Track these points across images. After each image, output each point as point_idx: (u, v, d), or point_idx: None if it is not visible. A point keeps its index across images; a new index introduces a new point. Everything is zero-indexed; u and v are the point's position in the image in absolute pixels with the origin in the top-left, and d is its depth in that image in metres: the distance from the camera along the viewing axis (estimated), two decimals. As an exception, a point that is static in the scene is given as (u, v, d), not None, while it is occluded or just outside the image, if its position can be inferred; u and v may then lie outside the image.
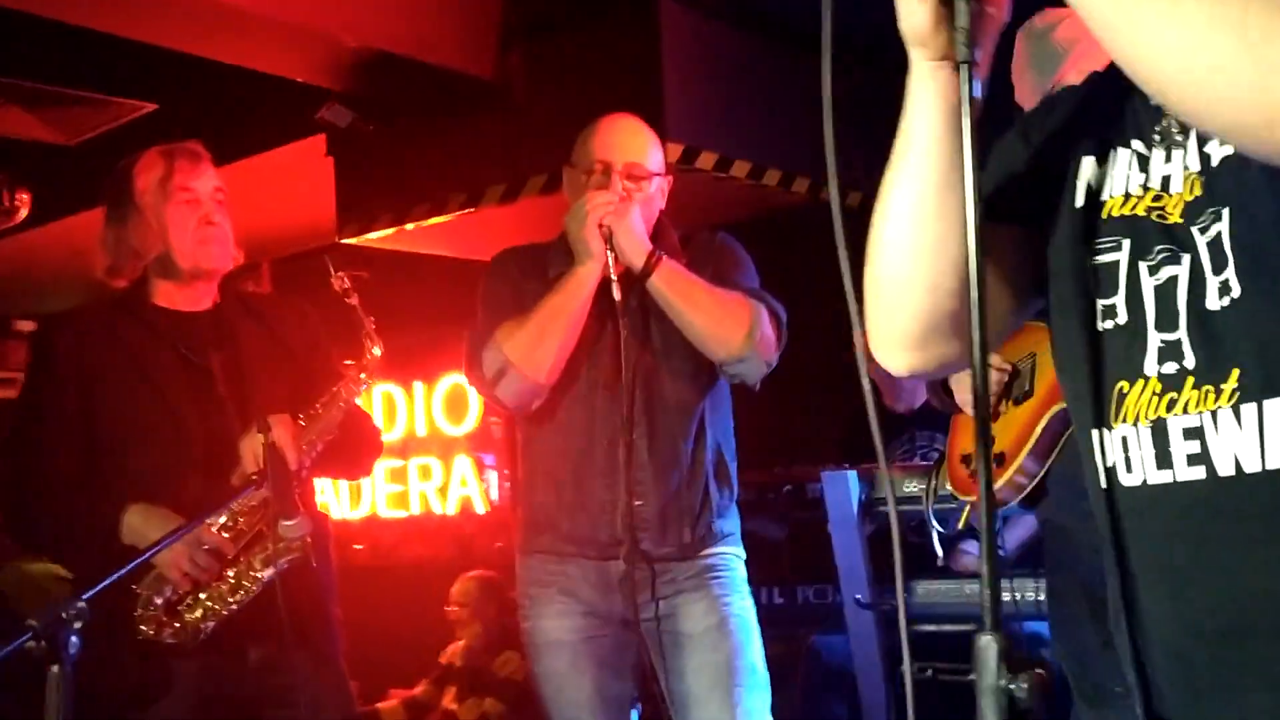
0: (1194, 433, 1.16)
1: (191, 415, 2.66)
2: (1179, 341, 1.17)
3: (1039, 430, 2.31)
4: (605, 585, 2.67)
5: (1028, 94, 2.32)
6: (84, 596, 1.92)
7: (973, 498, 2.44)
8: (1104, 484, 1.25)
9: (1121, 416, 1.22)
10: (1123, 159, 1.26)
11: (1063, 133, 1.33)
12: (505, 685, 5.51)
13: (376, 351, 2.71)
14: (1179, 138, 1.20)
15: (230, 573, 2.59)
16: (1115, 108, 1.28)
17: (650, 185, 2.73)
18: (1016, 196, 1.34)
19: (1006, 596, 3.51)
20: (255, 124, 5.32)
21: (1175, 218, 1.18)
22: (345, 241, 5.30)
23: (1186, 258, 1.17)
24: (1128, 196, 1.24)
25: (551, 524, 2.72)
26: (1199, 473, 1.16)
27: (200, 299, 2.79)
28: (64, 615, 1.87)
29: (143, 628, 2.53)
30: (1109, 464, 1.24)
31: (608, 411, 2.65)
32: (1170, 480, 1.18)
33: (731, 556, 2.71)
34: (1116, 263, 1.23)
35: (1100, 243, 1.25)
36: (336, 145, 5.25)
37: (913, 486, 3.53)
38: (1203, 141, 1.17)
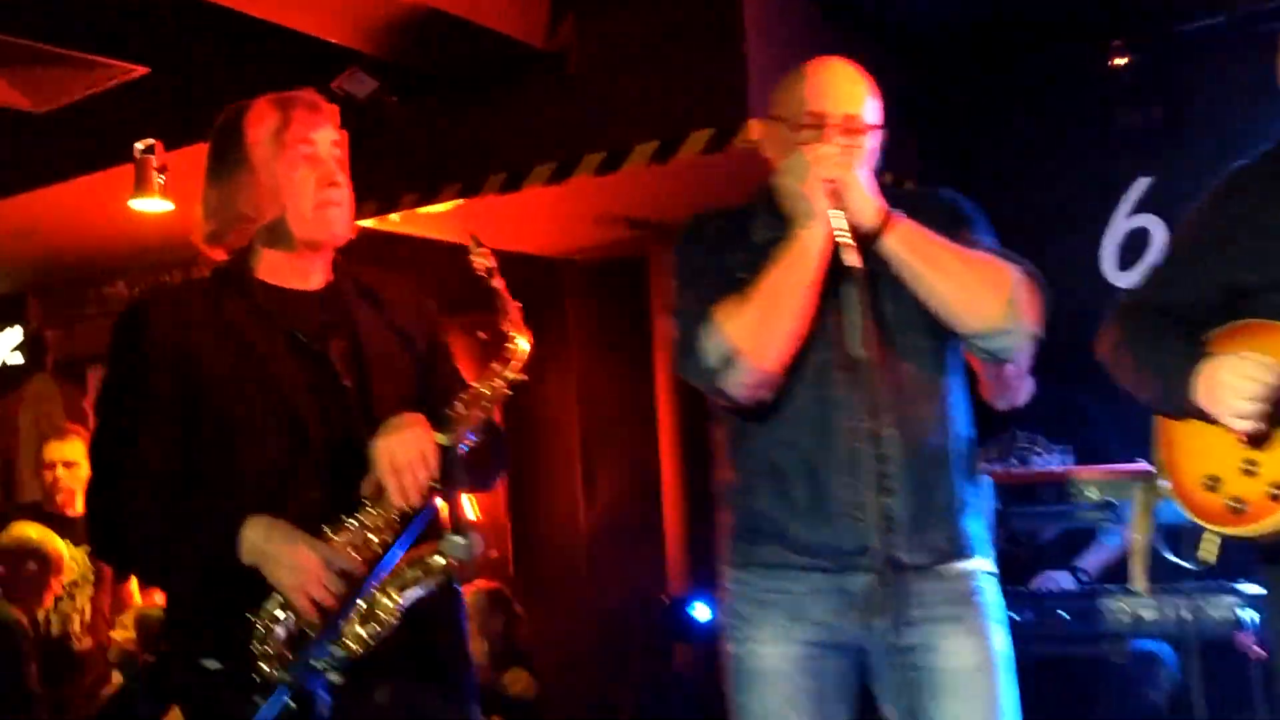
0: None
1: (310, 411, 2.24)
2: None
3: None
4: (842, 603, 2.30)
5: None
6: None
7: (1232, 530, 2.10)
8: None
9: None
10: None
11: None
12: (515, 704, 5.17)
13: (523, 344, 2.31)
14: None
15: (361, 601, 2.17)
16: None
17: (868, 142, 2.37)
18: None
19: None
20: (254, 93, 4.86)
21: None
22: (362, 224, 4.87)
23: None
24: None
25: (777, 532, 2.34)
26: None
27: (311, 274, 2.36)
28: (312, 664, 1.44)
29: (263, 666, 2.11)
30: None
31: (846, 398, 2.29)
32: None
33: (988, 574, 2.35)
34: None
35: None
36: (352, 118, 4.81)
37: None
38: None
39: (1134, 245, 4.62)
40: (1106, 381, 2.32)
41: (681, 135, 4.07)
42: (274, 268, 2.33)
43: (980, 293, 2.26)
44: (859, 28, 4.49)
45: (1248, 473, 2.06)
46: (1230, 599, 3.18)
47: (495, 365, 2.32)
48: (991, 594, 2.33)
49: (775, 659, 2.30)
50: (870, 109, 2.37)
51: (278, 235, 2.31)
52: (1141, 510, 3.18)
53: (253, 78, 4.70)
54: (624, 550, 5.57)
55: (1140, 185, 4.65)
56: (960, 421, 2.35)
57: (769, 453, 2.34)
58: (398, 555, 2.15)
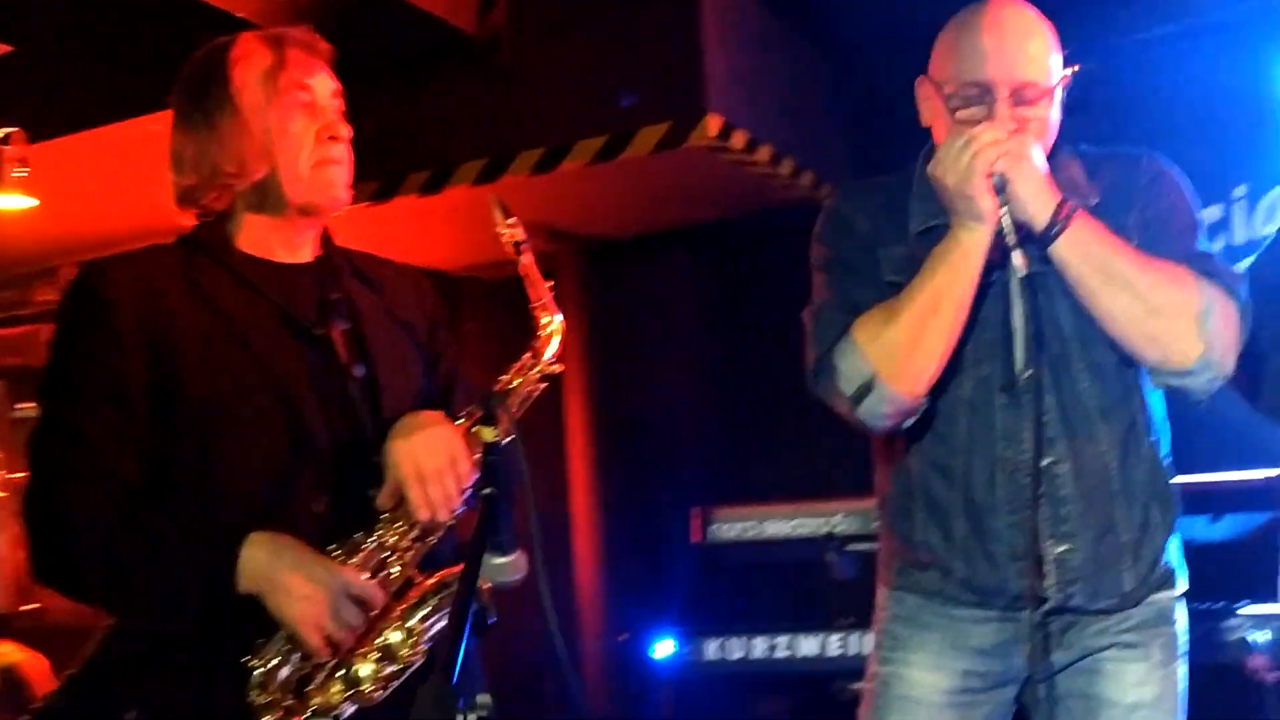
0: None
1: (311, 404, 1.86)
2: None
3: None
4: (1011, 635, 2.02)
5: None
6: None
7: None
8: None
9: None
10: None
11: None
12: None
13: (556, 328, 1.99)
14: None
15: (379, 636, 1.80)
16: None
17: (1047, 109, 2.02)
18: None
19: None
20: (139, 76, 4.36)
21: None
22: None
23: None
24: None
25: (939, 565, 2.05)
26: None
27: (301, 245, 1.98)
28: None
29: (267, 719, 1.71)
30: None
31: (1009, 423, 1.99)
32: None
33: (1177, 603, 2.08)
34: None
35: None
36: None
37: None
38: None
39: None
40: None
41: (631, 130, 3.79)
42: (258, 236, 1.94)
43: (1161, 320, 1.93)
44: (807, 32, 4.31)
45: None
46: (1234, 621, 3.05)
47: (527, 356, 1.98)
48: (1181, 622, 2.07)
49: (926, 688, 2.03)
50: (1048, 69, 2.02)
51: (266, 197, 1.92)
52: None
53: (134, 60, 4.22)
54: (530, 580, 5.18)
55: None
56: (1153, 440, 2.06)
57: (924, 478, 2.05)
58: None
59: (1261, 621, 3.01)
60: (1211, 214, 4.48)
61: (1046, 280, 1.98)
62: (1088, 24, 4.34)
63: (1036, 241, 1.93)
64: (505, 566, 1.70)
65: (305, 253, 1.98)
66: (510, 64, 3.95)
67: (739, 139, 3.91)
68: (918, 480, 2.06)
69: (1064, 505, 1.98)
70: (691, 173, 3.97)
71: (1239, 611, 3.04)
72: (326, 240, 2.01)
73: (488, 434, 1.68)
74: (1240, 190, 4.46)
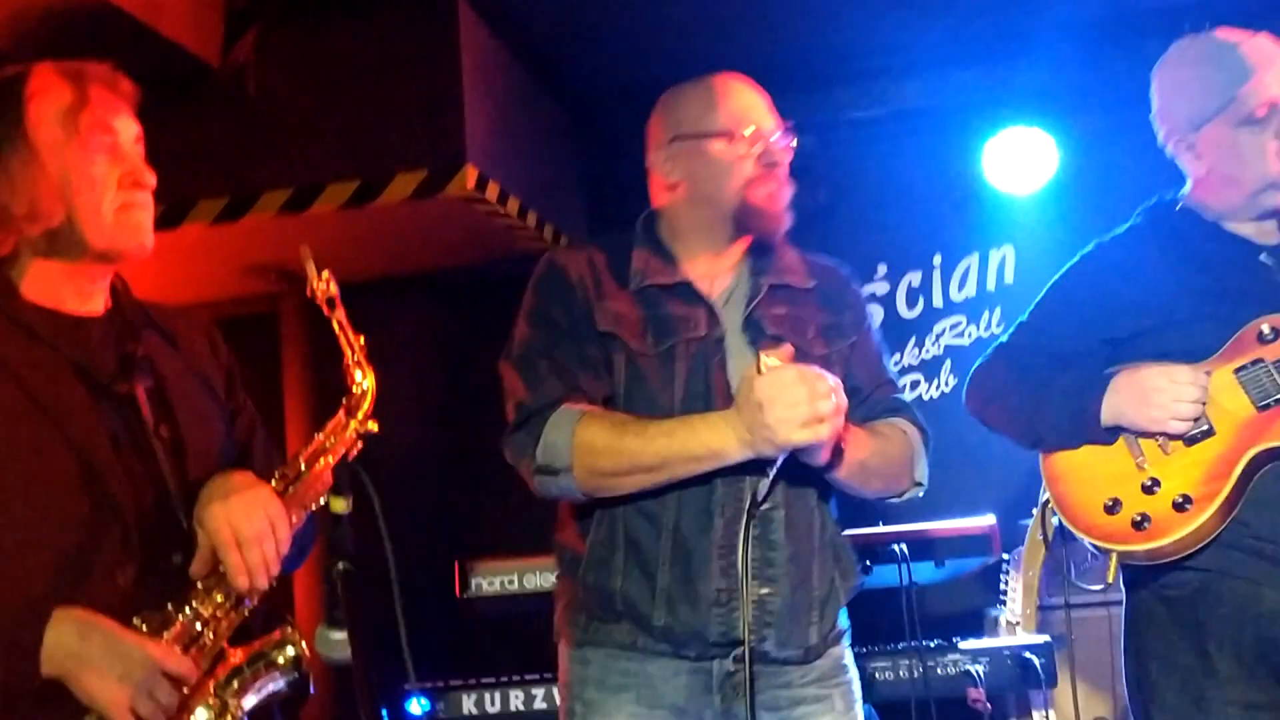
0: None
1: (113, 467, 1.74)
2: None
3: (1236, 474, 2.11)
4: (701, 689, 2.07)
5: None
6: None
7: (1139, 546, 2.14)
8: None
9: None
10: None
11: None
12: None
13: (367, 385, 1.95)
14: None
15: (191, 713, 1.69)
16: None
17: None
18: None
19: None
20: None
21: None
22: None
23: None
24: None
25: (636, 614, 2.07)
26: None
27: (94, 295, 1.86)
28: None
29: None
30: None
31: (728, 474, 2.05)
32: None
33: (848, 652, 2.21)
34: None
35: None
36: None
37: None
38: None
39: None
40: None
41: (386, 177, 3.73)
42: (47, 284, 1.81)
43: (895, 480, 2.18)
44: (553, 88, 4.40)
45: (1148, 491, 2.17)
46: (956, 656, 3.32)
47: (340, 415, 1.93)
48: (854, 670, 2.21)
49: None
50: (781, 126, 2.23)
51: (61, 242, 1.79)
52: (1032, 551, 3.27)
53: None
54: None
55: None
56: (833, 503, 2.23)
57: (631, 526, 2.08)
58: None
59: (979, 655, 3.29)
60: (912, 279, 4.90)
61: (757, 337, 2.11)
62: (810, 101, 4.66)
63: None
64: (341, 643, 1.65)
65: (97, 302, 1.86)
66: (257, 100, 3.81)
67: (493, 191, 3.93)
68: (623, 529, 2.09)
69: (774, 550, 2.07)
70: (444, 221, 3.95)
71: (961, 647, 3.31)
72: (116, 290, 1.89)
73: (338, 505, 1.63)
74: (938, 258, 4.88)
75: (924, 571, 3.41)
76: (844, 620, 2.21)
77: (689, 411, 2.06)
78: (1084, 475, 2.24)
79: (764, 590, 2.06)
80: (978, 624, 3.76)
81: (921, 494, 2.23)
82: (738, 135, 2.17)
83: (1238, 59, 2.20)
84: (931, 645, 3.30)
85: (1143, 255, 2.29)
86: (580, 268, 2.18)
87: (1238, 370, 2.16)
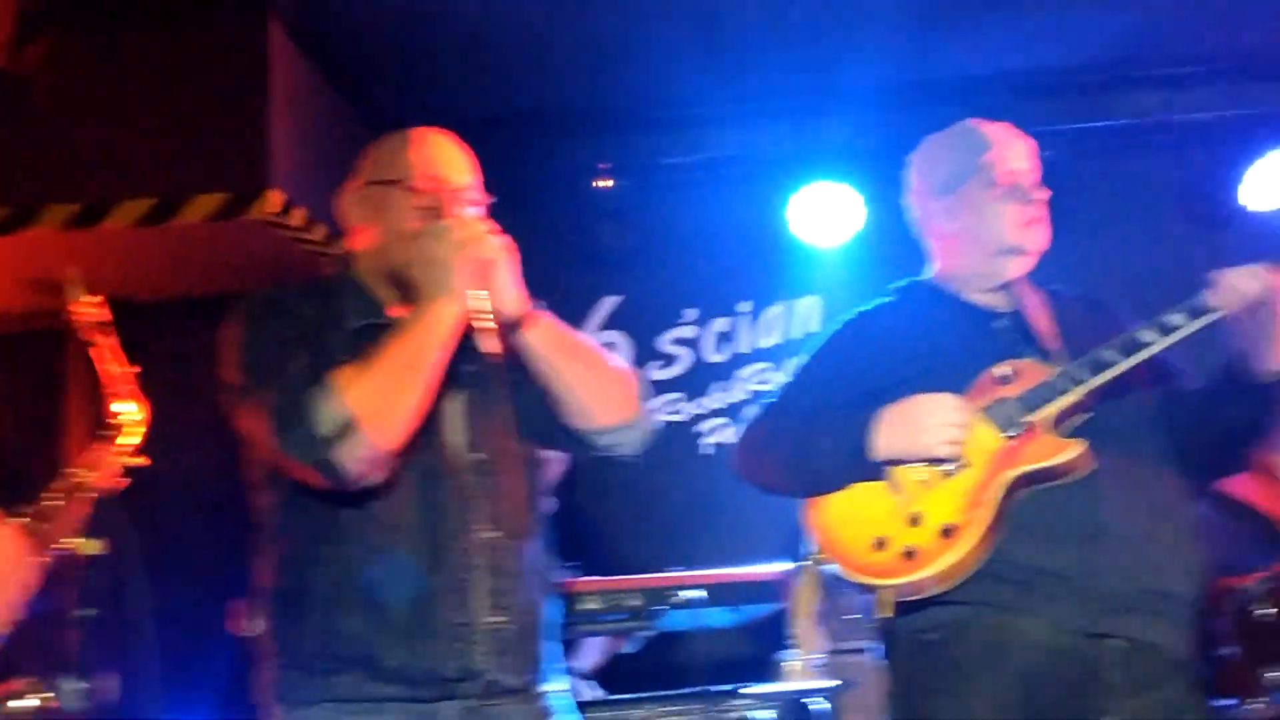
0: None
1: None
2: None
3: (996, 500, 2.22)
4: None
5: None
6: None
7: (909, 577, 2.21)
8: None
9: None
10: None
11: None
12: None
13: (132, 416, 1.86)
14: None
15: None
16: None
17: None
18: None
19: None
20: None
21: None
22: None
23: None
24: None
25: (362, 657, 2.00)
26: None
27: None
28: None
29: None
30: None
31: (452, 503, 2.06)
32: None
33: (567, 692, 2.22)
34: None
35: None
36: None
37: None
38: None
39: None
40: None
41: (184, 196, 3.59)
42: None
43: (614, 390, 2.22)
44: (362, 115, 4.32)
45: (914, 523, 2.27)
46: (739, 701, 3.35)
47: (100, 446, 1.84)
48: (567, 714, 2.21)
49: None
50: (479, 190, 2.24)
51: None
52: (805, 597, 3.29)
53: None
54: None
55: (608, 303, 4.90)
56: (545, 534, 2.24)
57: (358, 562, 2.03)
58: None
59: (767, 699, 3.33)
60: (720, 325, 4.98)
61: (481, 374, 2.13)
62: (624, 144, 4.72)
63: (504, 330, 2.09)
64: (82, 693, 1.55)
65: None
66: (45, 109, 3.62)
67: (298, 216, 3.83)
68: (347, 565, 2.04)
69: (504, 579, 2.08)
70: (248, 244, 3.83)
71: (749, 691, 3.35)
72: None
73: (90, 547, 1.54)
74: (746, 305, 4.97)
75: (718, 617, 3.45)
76: (558, 650, 2.22)
77: (416, 458, 2.06)
78: (849, 518, 2.33)
79: (497, 618, 2.05)
80: (768, 669, 3.81)
81: (643, 437, 2.26)
82: (410, 185, 2.17)
83: (982, 136, 2.49)
84: (715, 691, 3.33)
85: (896, 321, 2.47)
86: (302, 300, 2.17)
87: (984, 409, 2.30)
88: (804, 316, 4.93)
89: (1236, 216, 4.56)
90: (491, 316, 2.02)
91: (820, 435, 2.34)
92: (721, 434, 4.87)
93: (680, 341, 4.93)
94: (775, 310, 4.96)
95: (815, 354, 2.52)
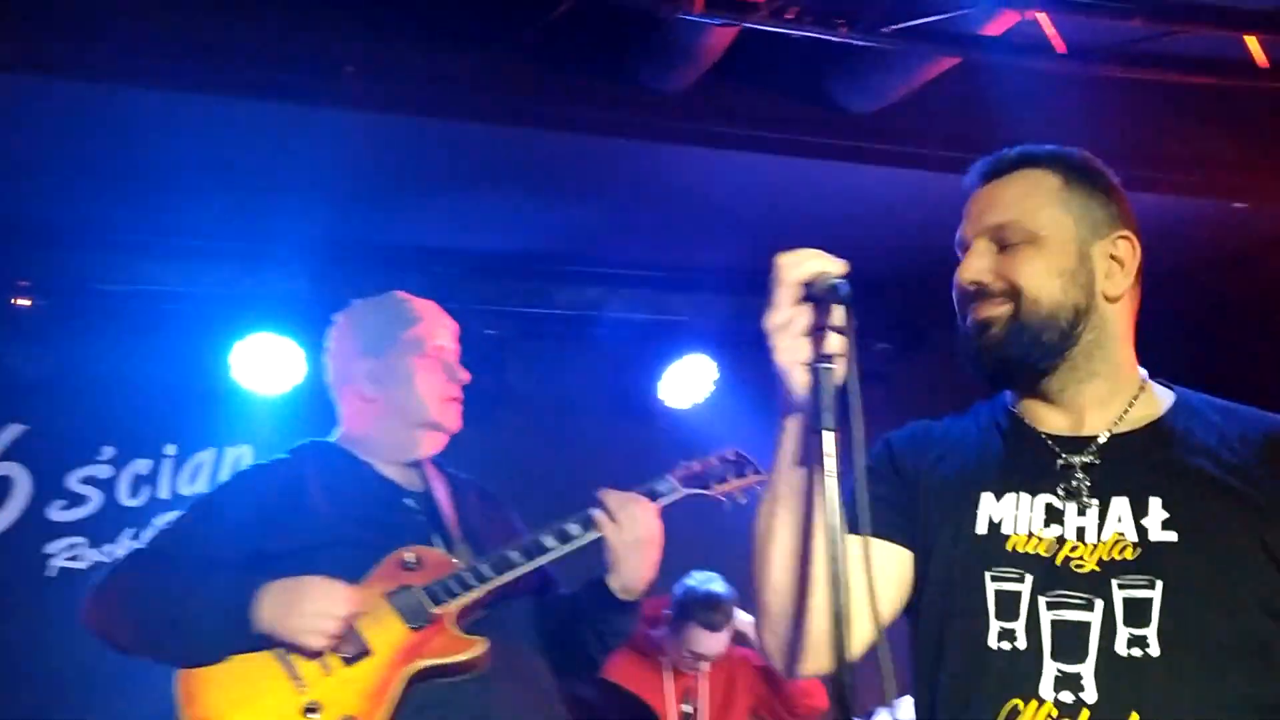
0: None
1: None
2: (1078, 675, 1.41)
3: (396, 693, 2.16)
4: None
5: None
6: None
7: None
8: None
9: None
10: (1025, 503, 1.50)
11: (945, 468, 1.57)
12: None
13: None
14: (1088, 499, 1.49)
15: None
16: (1013, 458, 1.54)
17: None
18: (893, 520, 1.55)
19: None
20: None
21: (1091, 566, 1.45)
22: None
23: (1100, 604, 1.43)
24: (1030, 536, 1.49)
25: None
26: None
27: None
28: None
29: None
30: None
31: None
32: None
33: None
34: (1018, 593, 1.46)
35: (1001, 571, 1.47)
36: None
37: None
38: (1135, 515, 1.47)
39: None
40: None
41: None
42: None
43: None
44: None
45: (311, 712, 2.15)
46: None
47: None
48: None
49: None
50: None
51: None
52: None
53: None
54: None
55: (11, 431, 4.42)
56: None
57: None
58: None
59: None
60: (140, 467, 4.61)
61: None
62: (48, 264, 4.32)
63: None
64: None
65: None
66: None
67: None
68: None
69: None
70: None
71: None
72: None
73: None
74: (171, 448, 4.66)
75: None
76: None
77: None
78: (238, 700, 2.16)
79: None
80: None
81: None
82: None
83: (412, 308, 2.52)
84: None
85: (297, 481, 2.37)
86: None
87: (389, 594, 2.25)
88: (233, 464, 4.69)
89: (657, 412, 4.95)
90: None
91: (197, 597, 2.19)
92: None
93: (91, 481, 4.52)
94: (204, 456, 4.69)
95: (198, 505, 2.38)
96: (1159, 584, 1.44)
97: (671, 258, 4.84)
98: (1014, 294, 1.50)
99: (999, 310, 1.51)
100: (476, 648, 2.23)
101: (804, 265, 1.39)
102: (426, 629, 2.23)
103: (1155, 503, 1.47)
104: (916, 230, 4.66)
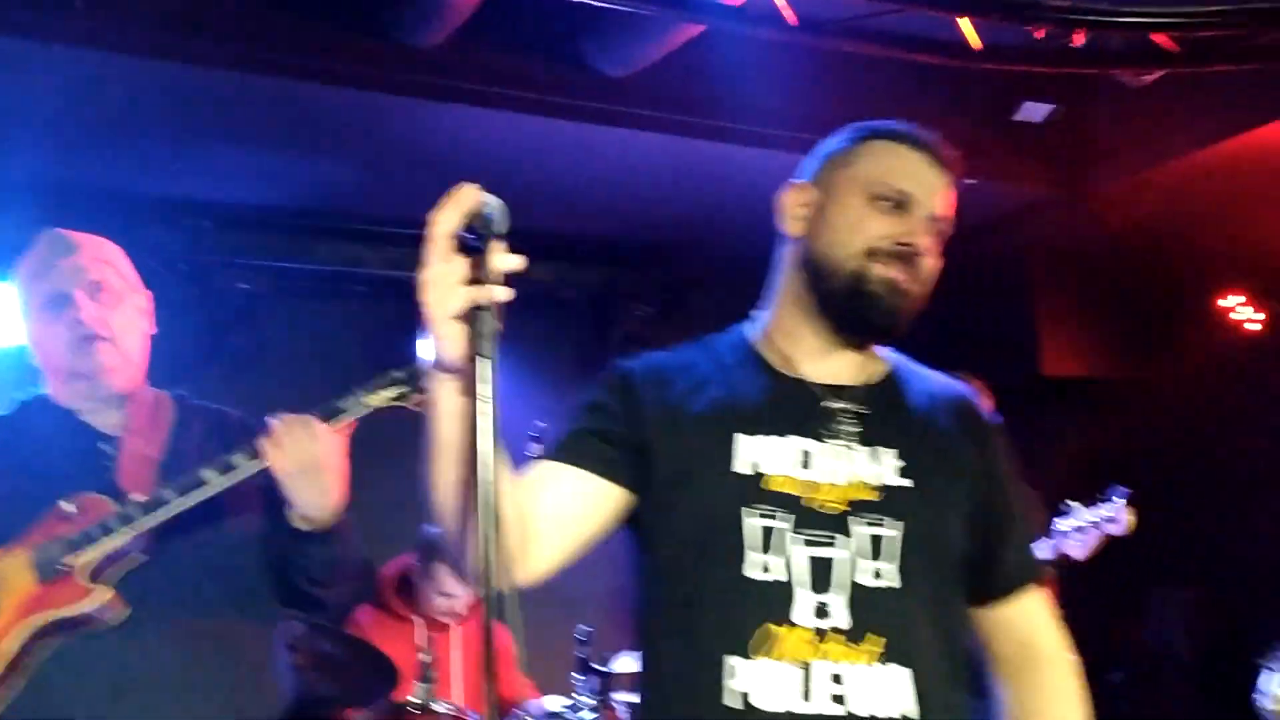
0: (838, 678, 1.55)
1: None
2: (827, 604, 1.57)
3: (9, 645, 2.07)
4: None
5: None
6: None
7: None
8: (740, 706, 1.55)
9: (766, 651, 1.55)
10: (782, 444, 1.64)
11: (695, 404, 1.68)
12: None
13: None
14: (844, 443, 1.65)
15: None
16: (771, 400, 1.66)
17: None
18: (605, 453, 1.65)
19: None
20: None
21: (841, 507, 1.61)
22: None
23: (847, 540, 1.59)
24: (787, 477, 1.62)
25: None
26: (839, 709, 1.54)
27: None
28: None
29: None
30: (743, 689, 1.55)
31: None
32: (814, 712, 1.54)
33: None
34: (773, 529, 1.59)
35: (759, 509, 1.60)
36: None
37: None
38: (880, 460, 1.64)
39: None
40: None
41: None
42: None
43: None
44: None
45: None
46: None
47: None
48: None
49: None
50: None
51: None
52: None
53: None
54: None
55: None
56: None
57: None
58: None
59: None
60: None
61: None
62: None
63: None
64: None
65: None
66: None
67: None
68: None
69: None
70: None
71: None
72: None
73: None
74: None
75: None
76: None
77: None
78: None
79: None
80: None
81: None
82: None
83: (73, 242, 2.29)
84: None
85: (13, 438, 2.28)
86: None
87: (35, 548, 2.15)
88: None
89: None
90: None
91: None
92: None
93: None
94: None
95: None
96: (900, 524, 1.62)
97: (423, 213, 4.82)
98: (925, 277, 1.71)
99: (913, 286, 1.69)
100: (95, 597, 2.10)
101: (448, 217, 1.40)
102: (56, 581, 2.11)
103: (893, 452, 1.67)
104: (676, 196, 4.82)
